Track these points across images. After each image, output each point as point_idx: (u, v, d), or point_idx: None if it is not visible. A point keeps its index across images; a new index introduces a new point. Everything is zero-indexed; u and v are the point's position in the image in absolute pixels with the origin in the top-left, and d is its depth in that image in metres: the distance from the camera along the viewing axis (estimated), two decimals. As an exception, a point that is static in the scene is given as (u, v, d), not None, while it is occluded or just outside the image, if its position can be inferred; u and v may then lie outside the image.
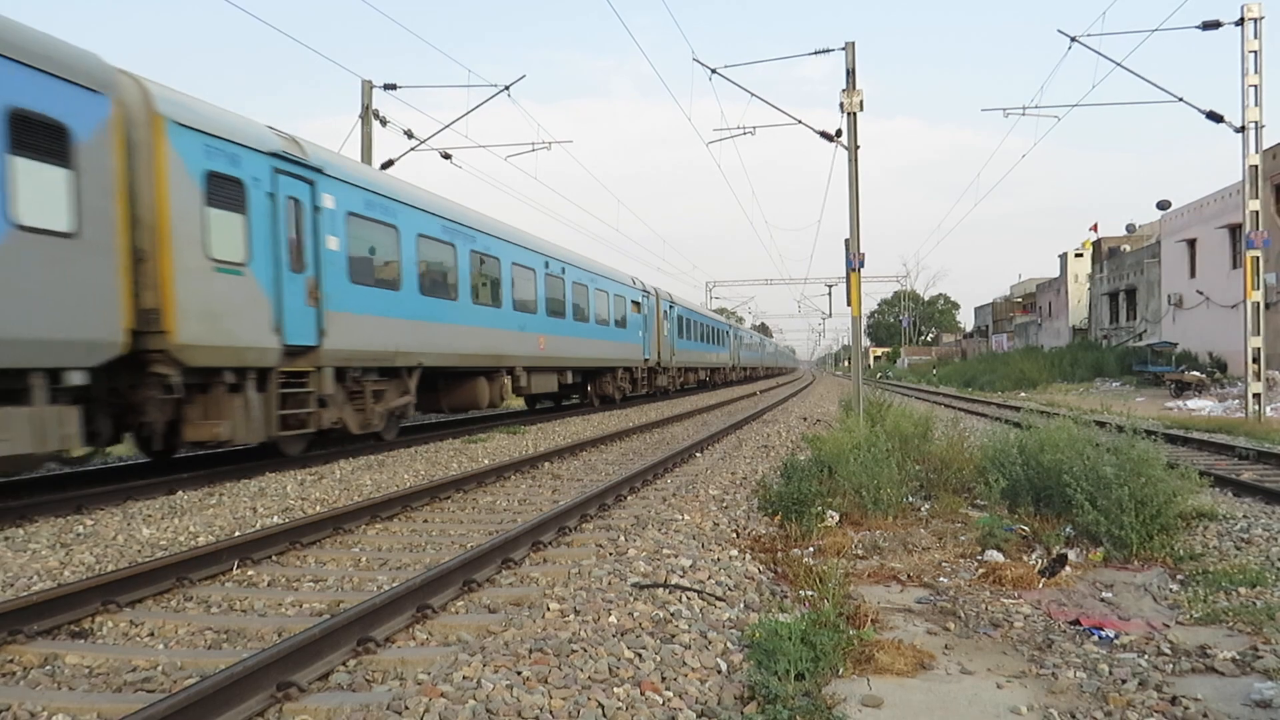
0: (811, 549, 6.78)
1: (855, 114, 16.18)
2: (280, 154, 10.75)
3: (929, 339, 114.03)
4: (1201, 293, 37.67)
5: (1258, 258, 19.66)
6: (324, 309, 11.47)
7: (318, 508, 8.53)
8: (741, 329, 60.14)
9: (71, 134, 8.07)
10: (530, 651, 4.05)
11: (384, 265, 13.36)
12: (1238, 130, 19.55)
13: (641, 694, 3.67)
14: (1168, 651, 4.51)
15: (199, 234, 9.45)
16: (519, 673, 3.78)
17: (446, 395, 16.33)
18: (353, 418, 12.37)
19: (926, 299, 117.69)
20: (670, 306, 32.03)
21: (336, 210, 11.92)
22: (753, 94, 18.05)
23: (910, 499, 8.65)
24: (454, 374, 16.07)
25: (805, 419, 20.40)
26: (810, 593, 5.44)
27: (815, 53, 17.29)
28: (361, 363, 12.39)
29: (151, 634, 4.83)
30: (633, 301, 26.69)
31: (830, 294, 73.73)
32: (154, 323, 8.92)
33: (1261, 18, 19.04)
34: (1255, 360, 19.78)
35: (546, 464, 11.94)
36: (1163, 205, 47.00)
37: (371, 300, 12.69)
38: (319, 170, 11.52)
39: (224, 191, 9.87)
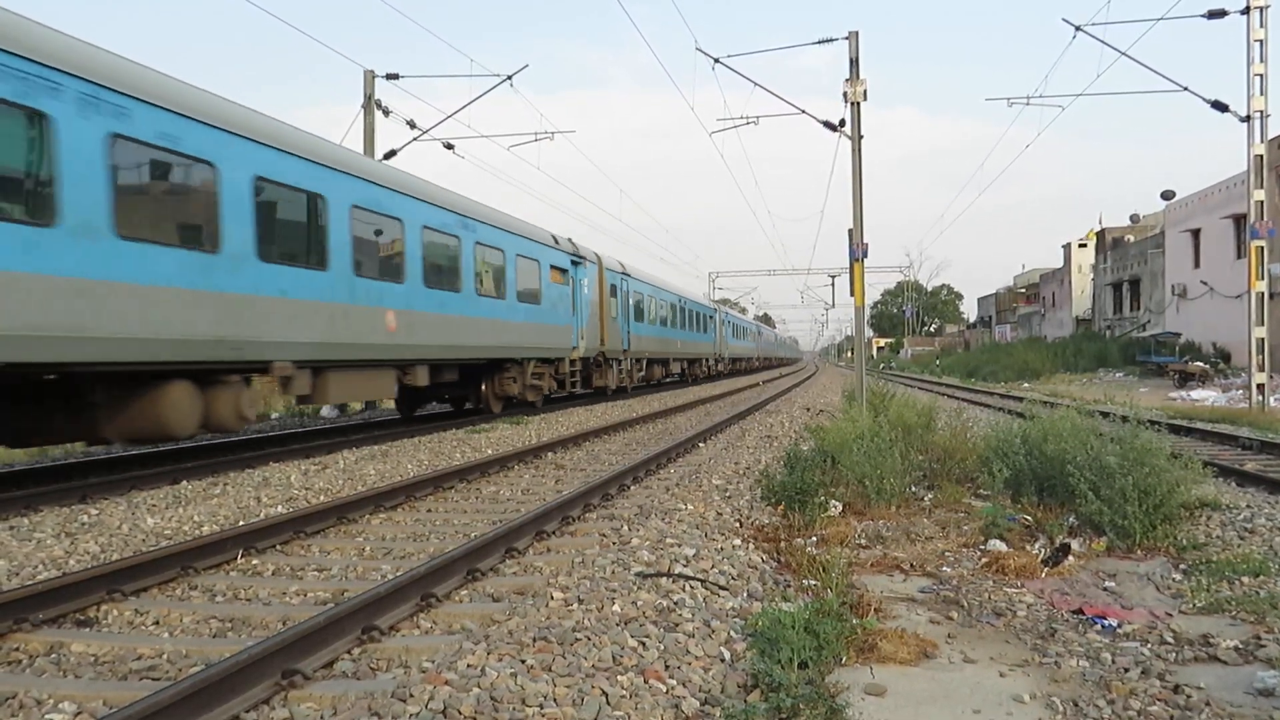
0: (814, 538, 6.78)
1: (859, 103, 16.10)
2: (622, 269, 25.40)
3: (932, 330, 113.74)
4: (1205, 283, 37.56)
5: (1262, 248, 19.60)
6: (631, 334, 26.09)
7: (321, 497, 8.55)
8: (763, 328, 75.37)
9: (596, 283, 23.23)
10: (534, 640, 4.05)
11: (648, 313, 28.75)
12: (1243, 120, 19.47)
13: (645, 682, 3.68)
14: (1170, 641, 4.51)
15: (608, 307, 23.52)
16: (523, 661, 3.79)
17: (660, 369, 32.69)
18: (634, 379, 26.96)
19: (930, 290, 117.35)
20: (725, 316, 48.37)
21: (634, 291, 26.88)
22: (756, 83, 18.01)
23: (913, 489, 8.64)
24: (664, 360, 32.15)
25: (808, 409, 20.39)
26: (813, 582, 5.45)
27: (819, 42, 17.29)
28: (642, 356, 27.60)
29: (156, 623, 4.85)
30: (708, 316, 41.94)
31: (833, 284, 73.77)
32: (602, 343, 22.87)
33: (1267, 6, 18.93)
34: (1259, 351, 19.75)
35: (550, 454, 11.95)
36: (1167, 195, 46.76)
37: (644, 329, 27.86)
38: (629, 274, 26.15)
39: (611, 289, 24.10)
